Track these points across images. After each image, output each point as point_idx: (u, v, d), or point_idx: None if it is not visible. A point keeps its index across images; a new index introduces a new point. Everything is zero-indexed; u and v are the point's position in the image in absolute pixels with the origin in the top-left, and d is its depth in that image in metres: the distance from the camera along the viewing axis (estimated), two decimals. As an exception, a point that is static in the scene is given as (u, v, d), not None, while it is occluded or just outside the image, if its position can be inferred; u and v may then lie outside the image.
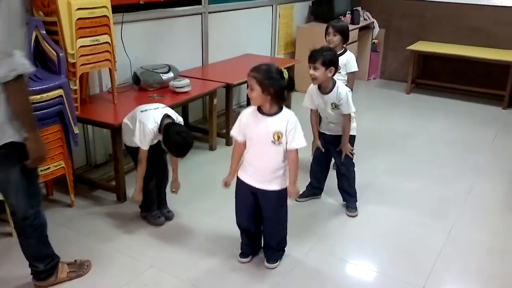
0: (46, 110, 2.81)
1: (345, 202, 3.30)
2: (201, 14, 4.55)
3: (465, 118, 5.31)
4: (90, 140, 3.70)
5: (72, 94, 3.01)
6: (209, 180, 3.61)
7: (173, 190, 3.04)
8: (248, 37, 5.29)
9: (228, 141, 4.28)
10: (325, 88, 2.99)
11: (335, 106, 3.00)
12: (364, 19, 6.50)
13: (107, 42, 3.23)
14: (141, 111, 2.81)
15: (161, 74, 3.79)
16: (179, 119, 2.87)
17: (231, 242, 2.81)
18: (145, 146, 2.74)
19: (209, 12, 4.61)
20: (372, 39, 6.59)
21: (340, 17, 5.89)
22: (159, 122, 2.74)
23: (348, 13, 6.04)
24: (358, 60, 3.69)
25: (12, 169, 2.09)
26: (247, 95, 2.48)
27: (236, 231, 2.72)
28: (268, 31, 5.68)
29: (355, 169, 3.24)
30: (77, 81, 3.11)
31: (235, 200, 2.62)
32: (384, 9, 6.57)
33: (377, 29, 6.57)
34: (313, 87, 3.07)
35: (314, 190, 3.41)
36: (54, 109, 2.86)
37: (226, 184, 2.56)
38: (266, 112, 2.38)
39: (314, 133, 3.18)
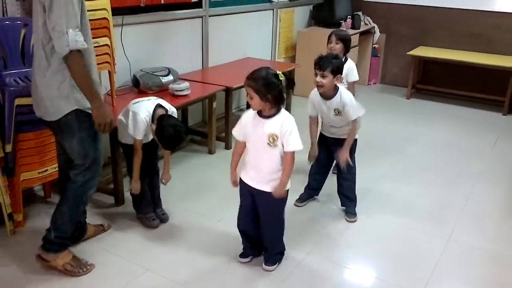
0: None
1: (344, 207, 3.29)
2: (202, 17, 4.55)
3: (465, 123, 5.31)
4: (89, 143, 3.68)
5: (71, 96, 3.01)
6: (208, 183, 3.60)
7: (163, 181, 3.03)
8: (248, 40, 5.29)
9: (227, 144, 4.27)
10: (328, 95, 2.98)
11: (338, 112, 2.98)
12: (365, 24, 6.51)
13: (106, 45, 3.21)
14: (134, 103, 2.84)
15: (160, 77, 3.79)
16: (172, 109, 2.88)
17: (229, 245, 2.80)
18: (138, 136, 2.75)
19: (209, 16, 4.61)
20: (372, 44, 6.60)
21: (341, 21, 5.90)
22: (151, 112, 2.75)
23: (349, 18, 6.05)
24: (358, 65, 3.69)
25: (74, 136, 2.38)
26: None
27: (235, 234, 2.72)
28: (269, 35, 5.68)
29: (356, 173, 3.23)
30: (76, 83, 3.10)
31: (240, 204, 2.64)
32: (385, 14, 6.58)
33: (377, 34, 6.57)
34: (314, 94, 3.05)
35: (312, 191, 3.40)
36: (53, 111, 2.86)
37: (235, 184, 2.56)
38: (265, 114, 2.39)
39: (312, 142, 3.16)
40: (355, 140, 3.18)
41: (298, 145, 2.39)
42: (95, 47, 3.10)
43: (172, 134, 2.71)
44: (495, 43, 5.97)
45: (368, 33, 6.48)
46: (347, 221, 3.20)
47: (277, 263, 2.68)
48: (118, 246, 2.83)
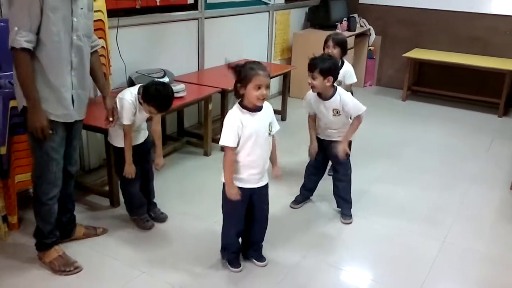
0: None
1: (339, 209, 3.29)
2: (198, 19, 4.55)
3: (461, 125, 5.32)
4: (84, 145, 3.68)
5: (66, 98, 3.01)
6: (204, 185, 3.59)
7: (157, 167, 3.01)
8: (244, 42, 5.29)
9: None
10: (325, 95, 2.98)
11: (337, 112, 2.99)
12: (361, 26, 6.52)
13: (102, 46, 3.21)
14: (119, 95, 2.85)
15: (156, 79, 3.77)
16: None
17: (225, 248, 2.79)
18: (126, 120, 2.74)
19: (205, 18, 4.61)
20: (368, 46, 6.61)
21: (336, 24, 5.91)
22: (136, 93, 2.77)
23: (345, 20, 6.06)
24: (354, 67, 3.69)
25: None
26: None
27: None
28: (265, 37, 5.69)
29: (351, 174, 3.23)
30: (71, 85, 3.09)
31: (229, 212, 2.58)
32: (380, 16, 6.59)
33: (373, 36, 6.59)
34: (311, 94, 3.06)
35: (307, 193, 3.41)
36: (47, 113, 2.85)
37: (238, 194, 2.45)
38: (255, 108, 2.40)
39: (311, 136, 3.16)
40: (350, 142, 3.18)
41: (278, 125, 2.51)
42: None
43: (160, 92, 2.73)
44: (490, 46, 5.99)
45: (363, 35, 6.49)
46: (343, 223, 3.20)
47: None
48: (113, 248, 2.82)
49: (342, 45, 3.53)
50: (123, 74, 3.79)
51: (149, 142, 3.04)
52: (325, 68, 2.85)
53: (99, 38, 3.16)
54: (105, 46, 3.24)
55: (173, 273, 2.63)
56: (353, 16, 6.19)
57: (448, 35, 6.22)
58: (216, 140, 4.26)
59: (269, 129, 2.46)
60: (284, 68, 5.31)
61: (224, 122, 2.41)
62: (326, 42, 3.56)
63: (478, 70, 5.76)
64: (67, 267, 2.57)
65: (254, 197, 2.53)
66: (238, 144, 2.40)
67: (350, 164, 3.21)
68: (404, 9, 6.41)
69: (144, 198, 3.04)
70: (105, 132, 3.12)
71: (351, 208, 3.25)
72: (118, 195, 3.26)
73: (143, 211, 3.04)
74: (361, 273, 2.76)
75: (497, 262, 2.87)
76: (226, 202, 2.53)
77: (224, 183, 2.48)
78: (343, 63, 3.58)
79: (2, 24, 2.83)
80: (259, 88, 2.33)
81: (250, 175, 2.47)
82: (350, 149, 3.17)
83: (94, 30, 3.11)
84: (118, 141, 2.87)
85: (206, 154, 4.19)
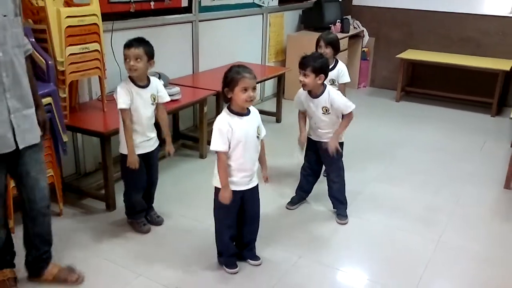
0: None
1: (335, 209, 3.31)
2: (192, 22, 4.56)
3: (454, 125, 5.36)
4: (80, 148, 3.68)
5: (61, 102, 3.00)
6: (200, 187, 3.60)
7: (169, 153, 3.01)
8: (238, 45, 5.31)
9: (219, 149, 4.27)
10: (315, 93, 3.01)
11: (326, 111, 3.01)
12: (354, 27, 6.55)
13: (96, 50, 3.22)
14: None
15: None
16: None
17: (221, 250, 2.80)
18: (121, 104, 2.71)
19: (199, 21, 4.62)
20: (362, 48, 6.64)
21: (330, 25, 5.94)
22: (127, 79, 2.78)
23: (338, 22, 6.08)
24: (348, 69, 3.71)
25: None
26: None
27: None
28: (259, 39, 5.70)
29: (344, 175, 3.25)
30: (66, 89, 3.10)
31: (221, 216, 2.60)
32: (374, 18, 6.63)
33: (366, 37, 6.62)
34: (302, 92, 3.09)
35: (303, 194, 3.42)
36: (43, 117, 2.84)
37: (230, 198, 2.47)
38: (243, 112, 2.45)
39: (300, 127, 3.18)
40: (342, 144, 3.20)
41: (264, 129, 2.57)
42: (85, 52, 3.14)
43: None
44: (483, 46, 6.04)
45: (357, 36, 6.53)
46: (339, 223, 3.22)
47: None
48: (110, 251, 2.82)
49: (333, 44, 3.56)
50: (118, 77, 3.77)
51: (158, 151, 3.02)
52: (317, 66, 2.89)
53: (94, 42, 3.19)
54: (100, 50, 3.24)
55: (170, 275, 2.63)
56: (346, 18, 6.22)
57: (441, 36, 6.26)
58: (212, 143, 4.30)
59: (257, 132, 2.50)
60: (278, 70, 5.33)
61: (214, 127, 2.44)
62: (318, 42, 3.58)
63: (470, 71, 5.81)
64: (71, 276, 2.50)
65: (245, 198, 2.56)
66: (229, 148, 2.43)
67: (342, 165, 3.23)
68: (397, 11, 6.45)
69: (145, 204, 3.04)
70: (101, 135, 3.13)
71: (346, 208, 3.27)
72: (114, 199, 3.26)
73: (141, 215, 3.05)
74: (357, 273, 2.78)
75: (491, 260, 2.89)
76: (219, 208, 2.56)
77: (216, 188, 2.51)
78: (337, 62, 3.61)
79: None
80: (246, 90, 2.36)
81: (241, 178, 2.50)
82: (342, 150, 3.19)
83: (89, 34, 3.15)
84: (124, 148, 2.84)
85: (202, 156, 4.20)
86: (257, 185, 2.60)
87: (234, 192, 2.49)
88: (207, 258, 2.77)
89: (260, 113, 2.60)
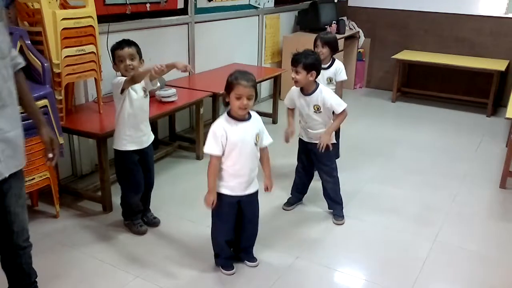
0: (30, 120, 2.78)
1: (331, 210, 3.31)
2: (188, 24, 4.56)
3: (450, 125, 5.37)
4: (76, 150, 3.68)
5: (57, 104, 3.00)
6: (196, 189, 3.58)
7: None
8: (234, 46, 5.32)
9: (215, 150, 4.28)
10: (307, 90, 3.03)
11: (318, 109, 3.02)
12: (350, 28, 6.57)
13: (92, 52, 3.22)
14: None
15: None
16: None
17: (218, 251, 2.80)
18: (122, 81, 2.70)
19: (195, 22, 4.63)
20: (357, 49, 6.66)
21: (326, 26, 5.95)
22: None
23: (334, 23, 6.10)
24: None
25: None
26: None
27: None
28: (255, 41, 5.71)
29: (338, 175, 3.25)
30: (62, 91, 3.10)
31: (217, 219, 2.60)
32: (369, 19, 6.65)
33: (362, 38, 6.64)
34: (294, 89, 3.11)
35: (299, 195, 3.43)
36: (39, 119, 2.83)
37: (214, 203, 2.48)
38: (241, 118, 2.43)
39: (289, 121, 3.19)
40: (337, 145, 3.20)
41: (270, 138, 2.56)
42: (81, 54, 3.13)
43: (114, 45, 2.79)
44: (478, 46, 6.06)
45: (353, 37, 6.54)
46: (335, 223, 3.22)
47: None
48: (107, 253, 2.82)
49: (330, 43, 3.58)
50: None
51: (152, 148, 3.03)
52: (309, 63, 2.90)
53: (90, 44, 3.18)
54: (95, 52, 3.24)
55: (167, 276, 2.63)
56: (342, 19, 6.24)
57: (436, 36, 6.29)
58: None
59: (256, 140, 2.46)
60: (274, 72, 5.34)
61: (210, 130, 2.45)
62: (315, 42, 3.60)
63: (466, 71, 5.84)
64: None
65: (242, 204, 2.56)
66: (224, 153, 2.43)
67: (335, 166, 3.23)
68: (393, 12, 6.47)
69: (142, 206, 3.04)
70: (97, 137, 3.13)
71: (342, 209, 3.28)
72: (110, 201, 3.26)
73: (138, 217, 3.04)
74: (354, 273, 2.78)
75: (488, 260, 2.90)
76: (216, 212, 2.56)
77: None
78: (333, 61, 3.63)
79: None
80: (239, 98, 2.36)
81: (237, 183, 2.49)
82: (338, 151, 3.19)
83: (84, 36, 3.14)
84: (119, 143, 2.85)
85: (198, 158, 4.20)
86: (257, 191, 2.58)
87: (230, 197, 2.49)
88: (204, 259, 2.77)
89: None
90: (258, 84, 5.46)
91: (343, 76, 3.65)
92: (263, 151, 2.58)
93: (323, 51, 3.54)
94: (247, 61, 5.42)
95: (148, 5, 4.06)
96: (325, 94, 3.00)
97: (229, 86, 2.38)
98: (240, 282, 2.62)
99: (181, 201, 3.45)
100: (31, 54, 2.93)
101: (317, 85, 3.02)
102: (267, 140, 2.56)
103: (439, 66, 5.95)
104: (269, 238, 2.99)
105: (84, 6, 3.18)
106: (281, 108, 5.19)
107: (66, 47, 3.04)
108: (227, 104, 2.44)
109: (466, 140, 4.90)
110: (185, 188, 3.66)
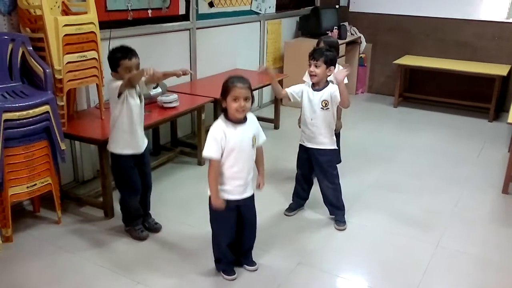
0: (32, 126, 2.81)
1: (333, 216, 3.30)
2: (189, 30, 4.58)
3: (452, 131, 5.37)
4: (78, 156, 3.68)
5: (59, 110, 3.01)
6: (198, 194, 3.59)
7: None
8: (236, 52, 5.33)
9: (217, 155, 4.28)
10: (319, 85, 3.06)
11: (325, 105, 3.03)
12: (351, 34, 6.58)
13: (94, 58, 3.23)
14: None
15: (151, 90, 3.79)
16: None
17: (220, 257, 2.79)
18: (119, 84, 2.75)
19: (197, 28, 4.64)
20: (359, 54, 6.67)
21: (327, 32, 5.96)
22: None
23: (335, 28, 6.11)
24: (345, 75, 3.73)
25: None
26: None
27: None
28: (256, 46, 5.73)
29: (340, 182, 3.24)
30: (64, 97, 3.11)
31: (218, 225, 2.60)
32: (371, 24, 6.66)
33: (364, 43, 6.65)
34: (305, 85, 3.14)
35: (300, 201, 3.42)
36: (41, 125, 2.86)
37: (224, 203, 2.48)
38: (238, 121, 2.44)
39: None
40: (338, 150, 3.20)
41: (264, 135, 2.56)
42: (82, 60, 3.15)
43: (112, 50, 2.83)
44: (480, 51, 6.06)
45: (354, 43, 6.55)
46: (337, 229, 3.22)
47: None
48: (108, 259, 2.81)
49: (332, 47, 3.59)
50: (116, 85, 3.80)
51: (148, 151, 3.04)
52: (330, 58, 2.99)
53: (92, 50, 3.20)
54: (97, 58, 3.25)
55: (169, 282, 2.63)
56: (343, 25, 6.25)
57: (438, 41, 6.29)
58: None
59: (253, 142, 2.49)
60: (276, 77, 5.32)
61: (208, 134, 2.46)
62: (317, 45, 3.63)
63: (468, 76, 5.83)
64: None
65: (241, 208, 2.57)
66: (222, 156, 2.44)
67: (337, 172, 3.22)
68: (394, 17, 6.48)
69: (142, 210, 3.05)
70: (98, 143, 3.13)
71: (344, 214, 3.27)
72: (112, 206, 3.26)
73: (138, 222, 3.04)
74: (356, 279, 2.77)
75: (490, 265, 2.89)
76: (215, 216, 2.57)
77: (210, 196, 2.50)
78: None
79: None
80: (236, 100, 2.38)
81: (235, 187, 2.50)
82: (339, 156, 3.19)
83: (86, 42, 3.16)
84: (115, 146, 2.86)
85: (200, 163, 4.20)
86: (253, 194, 2.60)
87: (229, 201, 2.49)
88: (205, 264, 2.76)
89: (258, 119, 2.61)
90: (259, 90, 5.54)
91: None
92: (258, 149, 2.60)
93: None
94: (248, 67, 5.43)
95: (149, 11, 4.08)
96: (335, 88, 2.99)
97: (225, 90, 2.42)
98: (242, 287, 2.61)
99: (182, 206, 3.45)
100: (33, 60, 2.94)
101: (328, 82, 3.07)
102: (261, 138, 2.59)
103: (440, 71, 5.94)
104: (271, 243, 2.98)
105: (86, 12, 3.19)
106: (282, 113, 5.21)
107: (68, 53, 3.05)
108: (224, 109, 2.47)
109: (468, 145, 4.89)
110: (186, 194, 3.66)
